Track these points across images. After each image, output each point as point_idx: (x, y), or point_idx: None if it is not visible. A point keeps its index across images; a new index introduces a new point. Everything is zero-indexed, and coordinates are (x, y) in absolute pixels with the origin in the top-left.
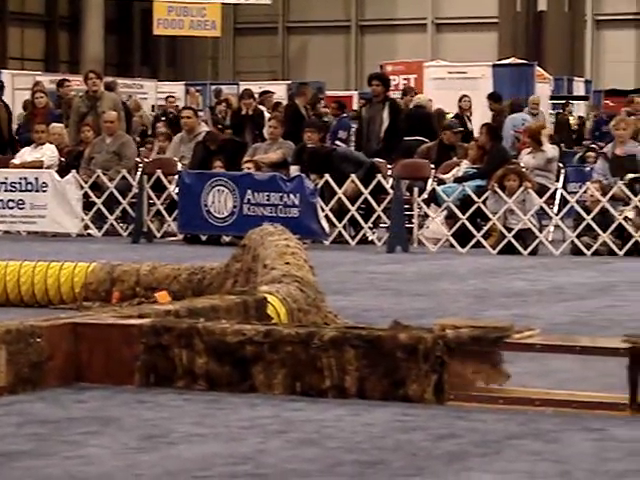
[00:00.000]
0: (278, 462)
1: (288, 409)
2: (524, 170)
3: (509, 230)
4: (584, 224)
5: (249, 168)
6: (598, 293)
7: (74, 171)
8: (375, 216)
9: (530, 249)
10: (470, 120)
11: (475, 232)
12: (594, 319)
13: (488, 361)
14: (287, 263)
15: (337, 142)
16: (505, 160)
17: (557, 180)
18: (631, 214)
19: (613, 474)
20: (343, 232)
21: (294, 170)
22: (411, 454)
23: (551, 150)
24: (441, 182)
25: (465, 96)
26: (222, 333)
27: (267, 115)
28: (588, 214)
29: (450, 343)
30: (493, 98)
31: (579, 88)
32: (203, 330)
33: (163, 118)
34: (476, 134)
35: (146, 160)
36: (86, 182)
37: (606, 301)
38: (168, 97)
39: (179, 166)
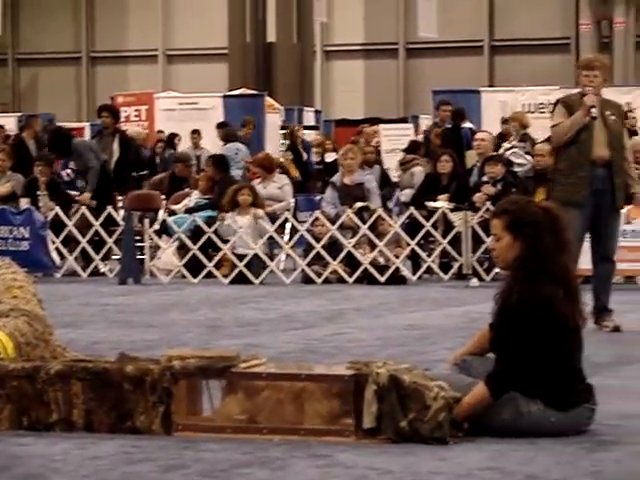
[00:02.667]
0: None
1: (14, 444)
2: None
3: (240, 257)
4: (314, 253)
5: None
6: (326, 321)
7: None
8: (107, 248)
9: (261, 278)
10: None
11: (207, 262)
12: (322, 346)
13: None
14: (14, 297)
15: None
16: None
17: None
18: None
19: None
20: (74, 264)
21: (24, 203)
22: None
23: (281, 179)
24: (172, 213)
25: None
26: None
27: None
28: (318, 242)
29: (177, 374)
30: (222, 127)
31: (309, 118)
32: None
33: None
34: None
35: None
36: None
37: (334, 329)
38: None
39: None
